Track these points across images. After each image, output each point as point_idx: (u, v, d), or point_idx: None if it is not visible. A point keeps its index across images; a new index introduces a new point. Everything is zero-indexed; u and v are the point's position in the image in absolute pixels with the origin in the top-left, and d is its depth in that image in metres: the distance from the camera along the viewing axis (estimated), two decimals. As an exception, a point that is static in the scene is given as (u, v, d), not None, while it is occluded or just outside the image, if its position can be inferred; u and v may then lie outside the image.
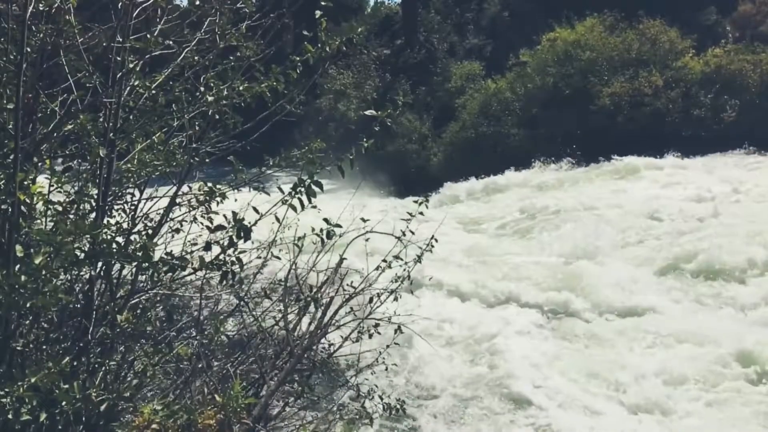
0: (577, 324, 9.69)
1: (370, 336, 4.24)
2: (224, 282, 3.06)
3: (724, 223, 12.99)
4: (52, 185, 2.93)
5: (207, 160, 3.59)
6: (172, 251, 3.03)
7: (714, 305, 9.87)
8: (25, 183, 2.53)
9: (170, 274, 2.85)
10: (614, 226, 13.70)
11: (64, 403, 2.33)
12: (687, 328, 8.96)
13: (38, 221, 2.78)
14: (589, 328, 9.50)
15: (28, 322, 2.77)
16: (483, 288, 10.84)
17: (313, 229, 3.52)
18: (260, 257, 3.88)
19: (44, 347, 2.86)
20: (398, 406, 4.35)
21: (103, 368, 2.91)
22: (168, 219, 3.47)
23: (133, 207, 3.38)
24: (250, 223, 3.01)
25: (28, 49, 2.76)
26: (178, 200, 3.44)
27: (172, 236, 3.55)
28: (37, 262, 2.32)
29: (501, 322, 9.64)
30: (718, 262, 10.93)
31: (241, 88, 3.31)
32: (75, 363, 2.76)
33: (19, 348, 2.65)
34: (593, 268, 11.30)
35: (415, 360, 8.22)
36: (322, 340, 4.06)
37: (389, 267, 4.20)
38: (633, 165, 18.85)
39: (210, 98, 3.28)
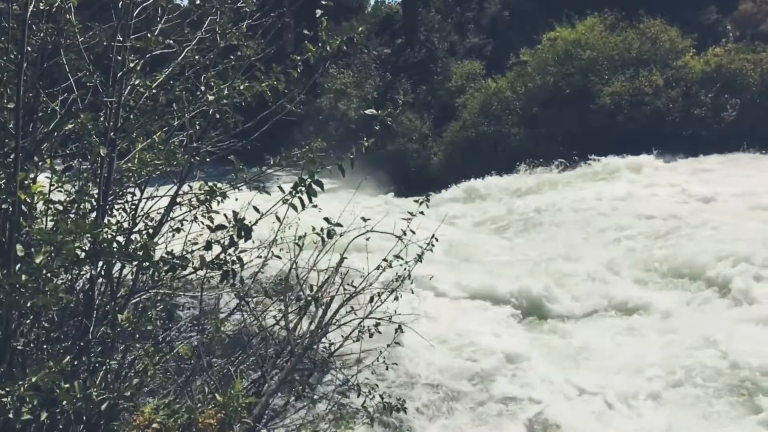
0: (555, 318, 10.14)
1: (371, 335, 4.24)
2: (225, 281, 3.06)
3: (705, 223, 13.19)
4: (53, 184, 2.93)
5: (207, 160, 3.59)
6: (172, 250, 3.03)
7: (688, 301, 10.29)
8: (26, 182, 2.53)
9: (171, 273, 2.85)
10: (595, 225, 14.07)
11: (64, 402, 2.33)
12: (661, 322, 9.54)
13: (39, 220, 2.78)
14: (566, 321, 9.99)
15: (28, 321, 2.77)
16: (462, 284, 11.04)
17: (313, 229, 3.52)
18: (261, 256, 3.88)
19: (45, 346, 2.86)
20: (399, 405, 4.35)
21: (104, 367, 2.91)
22: (168, 218, 3.47)
23: (133, 206, 3.38)
24: (250, 222, 3.01)
25: (29, 49, 2.76)
26: (178, 199, 3.44)
27: (173, 235, 3.55)
28: (37, 261, 2.32)
29: (481, 317, 9.92)
30: (693, 260, 11.27)
31: (241, 87, 3.31)
32: (76, 362, 2.77)
33: (19, 347, 2.65)
34: (571, 266, 11.61)
35: (403, 355, 8.32)
36: (323, 340, 4.06)
37: (390, 266, 4.20)
38: (617, 165, 19.14)
39: (210, 97, 3.28)
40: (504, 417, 7.34)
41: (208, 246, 3.06)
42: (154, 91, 3.22)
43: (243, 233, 2.94)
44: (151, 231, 3.35)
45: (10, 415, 2.22)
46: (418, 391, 7.83)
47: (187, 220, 3.55)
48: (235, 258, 3.03)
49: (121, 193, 3.37)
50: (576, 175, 19.51)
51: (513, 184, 19.80)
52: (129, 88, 3.11)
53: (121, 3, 3.01)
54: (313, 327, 3.95)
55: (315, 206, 3.15)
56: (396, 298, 4.25)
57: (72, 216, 2.81)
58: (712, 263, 10.93)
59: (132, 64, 3.08)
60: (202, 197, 3.36)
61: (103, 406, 2.54)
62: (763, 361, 7.79)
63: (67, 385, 2.34)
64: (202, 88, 3.35)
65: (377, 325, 4.25)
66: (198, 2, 3.55)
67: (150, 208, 3.48)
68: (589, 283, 10.83)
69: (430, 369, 8.16)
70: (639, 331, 9.33)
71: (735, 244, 11.42)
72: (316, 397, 4.24)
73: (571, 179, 19.24)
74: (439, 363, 8.31)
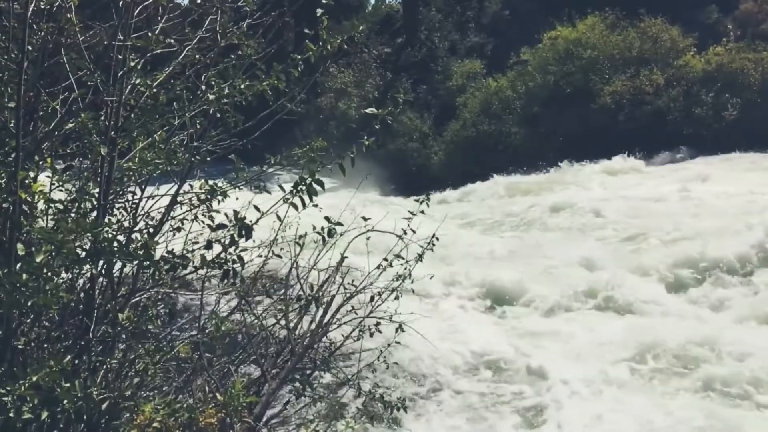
0: (530, 309, 10.47)
1: (371, 335, 4.24)
2: (225, 280, 3.06)
3: (679, 223, 13.32)
4: (54, 184, 2.93)
5: (208, 159, 3.58)
6: (173, 250, 3.03)
7: (653, 295, 10.50)
8: (27, 181, 2.54)
9: (171, 272, 2.85)
10: (573, 226, 14.54)
11: (65, 401, 2.33)
12: (625, 314, 9.92)
13: (39, 220, 2.78)
14: (540, 312, 10.33)
15: (29, 320, 2.77)
16: (444, 279, 11.16)
17: (314, 228, 3.52)
18: (261, 256, 3.88)
19: (45, 345, 2.86)
20: (399, 405, 4.34)
21: (105, 366, 2.91)
22: (169, 217, 3.47)
23: (134, 205, 3.38)
24: (251, 221, 3.01)
25: (30, 48, 2.75)
26: (179, 199, 3.44)
27: (173, 235, 3.55)
28: (38, 260, 2.32)
29: (458, 309, 10.16)
30: (663, 260, 11.44)
31: (242, 86, 3.31)
32: (76, 361, 2.77)
33: (20, 346, 2.65)
34: (545, 261, 11.89)
35: (396, 352, 8.43)
36: (323, 339, 4.06)
37: (390, 266, 4.20)
38: (592, 169, 19.59)
39: (211, 96, 3.28)
40: (490, 408, 7.46)
41: (208, 245, 3.06)
42: (154, 90, 3.21)
43: (244, 232, 2.94)
44: (151, 230, 3.35)
45: (11, 414, 2.22)
46: (403, 383, 7.91)
47: (187, 219, 3.55)
48: (235, 257, 3.03)
49: (121, 192, 3.37)
50: (555, 178, 19.81)
51: (488, 192, 20.04)
52: (129, 87, 3.11)
53: (121, 2, 3.01)
54: (313, 326, 3.95)
55: (315, 205, 3.15)
56: (396, 297, 4.25)
57: (73, 215, 2.80)
58: (681, 263, 11.12)
59: (133, 63, 3.08)
60: (202, 196, 3.35)
61: (104, 405, 2.54)
62: (719, 346, 8.07)
63: (68, 384, 2.34)
64: (203, 87, 3.35)
65: (378, 324, 4.25)
66: (199, 1, 3.55)
67: (150, 207, 3.48)
68: (563, 277, 11.17)
69: (415, 362, 8.26)
70: (605, 321, 9.68)
71: (705, 243, 11.52)
72: (316, 396, 4.24)
73: (551, 183, 19.49)
74: (422, 355, 8.39)
